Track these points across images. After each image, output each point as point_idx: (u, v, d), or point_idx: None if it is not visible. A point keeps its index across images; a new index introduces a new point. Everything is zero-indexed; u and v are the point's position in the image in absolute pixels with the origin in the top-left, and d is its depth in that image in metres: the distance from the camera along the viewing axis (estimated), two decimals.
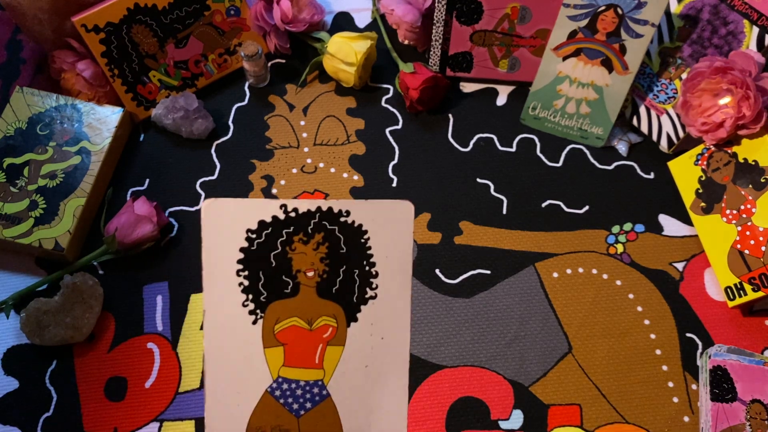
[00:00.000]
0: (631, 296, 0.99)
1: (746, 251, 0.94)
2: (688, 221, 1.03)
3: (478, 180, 1.08)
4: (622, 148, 1.10)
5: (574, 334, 0.96)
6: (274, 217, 0.62)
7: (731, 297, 0.95)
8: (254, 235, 0.62)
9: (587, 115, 1.09)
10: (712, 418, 0.88)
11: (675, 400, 0.92)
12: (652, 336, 0.96)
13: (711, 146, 1.01)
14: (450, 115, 1.14)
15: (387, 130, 1.13)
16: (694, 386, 0.93)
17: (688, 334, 0.96)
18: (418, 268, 1.01)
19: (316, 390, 0.65)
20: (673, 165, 1.06)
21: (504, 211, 1.06)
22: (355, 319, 0.64)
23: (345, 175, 1.09)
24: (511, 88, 1.17)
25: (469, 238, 1.04)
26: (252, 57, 1.10)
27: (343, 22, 1.23)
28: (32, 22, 1.05)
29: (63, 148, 1.03)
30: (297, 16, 1.15)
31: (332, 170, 1.09)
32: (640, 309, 0.98)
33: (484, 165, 1.10)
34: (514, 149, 1.11)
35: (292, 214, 0.62)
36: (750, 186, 0.95)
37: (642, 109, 1.09)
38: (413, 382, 0.93)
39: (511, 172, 1.09)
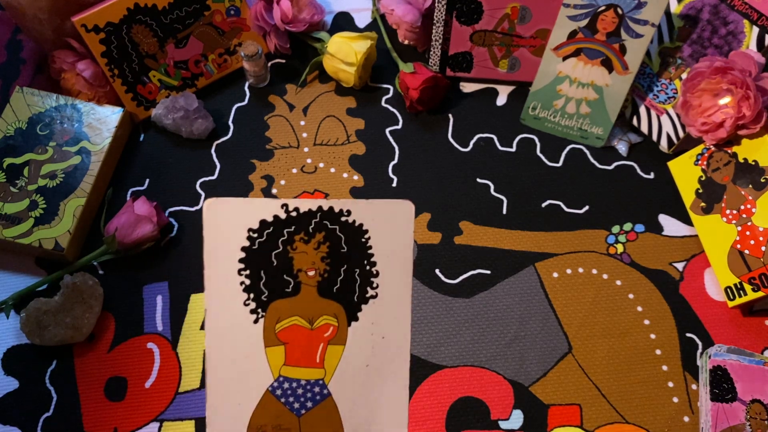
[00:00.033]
0: (631, 296, 0.99)
1: (746, 251, 0.94)
2: (688, 221, 1.03)
3: (478, 180, 1.08)
4: (622, 148, 1.10)
5: (574, 334, 0.96)
6: (276, 217, 0.62)
7: (731, 297, 0.96)
8: (256, 235, 0.62)
9: (587, 115, 1.09)
10: (712, 418, 0.88)
11: (675, 400, 0.92)
12: (652, 336, 0.96)
13: (711, 146, 1.01)
14: (450, 115, 1.14)
15: (387, 130, 1.13)
16: (694, 386, 0.93)
17: (688, 334, 0.96)
18: (418, 268, 1.01)
19: (317, 389, 0.65)
20: (673, 165, 1.06)
21: (504, 211, 1.06)
22: (356, 319, 0.64)
23: (345, 175, 1.09)
24: (511, 88, 1.17)
25: (469, 238, 1.04)
26: (252, 57, 1.10)
27: (343, 22, 1.23)
28: (32, 22, 1.05)
29: (63, 148, 1.03)
30: (297, 16, 1.15)
31: (332, 170, 1.09)
32: (640, 309, 0.98)
33: (484, 165, 1.10)
34: (514, 149, 1.11)
35: (294, 214, 0.62)
36: (750, 186, 0.95)
37: (642, 109, 1.09)
38: (413, 382, 0.93)
39: (511, 172, 1.09)
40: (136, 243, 0.98)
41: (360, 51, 1.09)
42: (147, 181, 1.08)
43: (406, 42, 1.19)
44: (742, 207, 0.95)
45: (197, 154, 1.10)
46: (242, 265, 0.62)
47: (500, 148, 1.11)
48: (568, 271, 1.01)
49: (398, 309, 0.64)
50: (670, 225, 1.04)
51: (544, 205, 1.06)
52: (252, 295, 0.63)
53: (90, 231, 1.03)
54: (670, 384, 0.93)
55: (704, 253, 1.00)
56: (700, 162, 1.02)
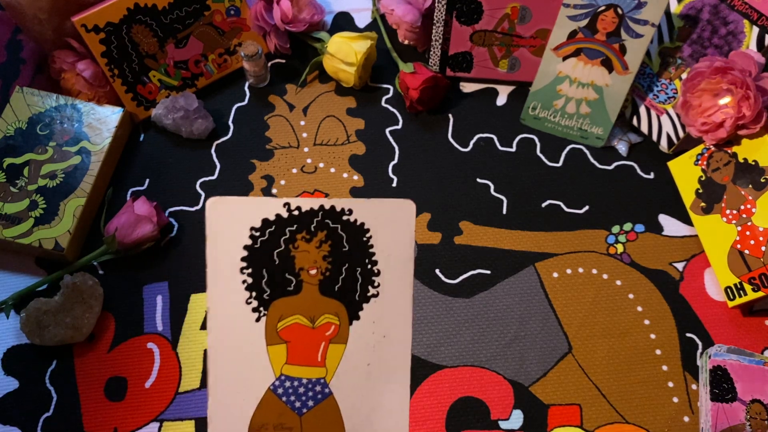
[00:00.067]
0: (631, 296, 0.99)
1: (746, 251, 0.94)
2: (688, 221, 1.03)
3: (478, 180, 1.08)
4: (622, 148, 1.10)
5: (574, 334, 0.96)
6: (278, 216, 0.62)
7: (731, 297, 0.96)
8: (258, 233, 0.62)
9: (587, 115, 1.09)
10: (712, 418, 0.88)
11: (675, 400, 0.93)
12: (652, 336, 0.96)
13: (711, 146, 1.01)
14: (450, 115, 1.14)
15: (387, 130, 1.13)
16: (694, 386, 0.93)
17: (688, 334, 0.97)
18: (418, 268, 1.01)
19: (318, 388, 0.65)
20: (673, 165, 1.06)
21: (504, 211, 1.06)
22: (358, 317, 0.64)
23: (345, 175, 1.09)
24: (511, 88, 1.17)
25: (469, 238, 1.04)
26: (252, 57, 1.10)
27: (343, 22, 1.24)
28: (32, 22, 1.05)
29: (63, 148, 1.03)
30: (297, 16, 1.15)
31: (332, 170, 1.09)
32: (640, 309, 0.98)
33: (484, 165, 1.10)
34: (514, 149, 1.11)
35: (296, 213, 0.62)
36: (750, 186, 0.95)
37: (642, 109, 1.09)
38: (413, 382, 0.93)
39: (511, 172, 1.09)
40: (136, 243, 0.98)
41: (360, 51, 1.09)
42: (147, 181, 1.08)
43: (406, 42, 1.19)
44: (742, 207, 0.95)
45: (197, 154, 1.10)
46: (244, 264, 0.62)
47: (500, 148, 1.11)
48: (568, 271, 1.01)
49: (400, 308, 0.64)
50: (670, 225, 1.05)
51: (544, 205, 1.06)
52: (254, 294, 0.62)
53: (90, 231, 1.03)
54: (670, 384, 0.93)
55: (704, 253, 1.01)
56: (700, 162, 1.02)
